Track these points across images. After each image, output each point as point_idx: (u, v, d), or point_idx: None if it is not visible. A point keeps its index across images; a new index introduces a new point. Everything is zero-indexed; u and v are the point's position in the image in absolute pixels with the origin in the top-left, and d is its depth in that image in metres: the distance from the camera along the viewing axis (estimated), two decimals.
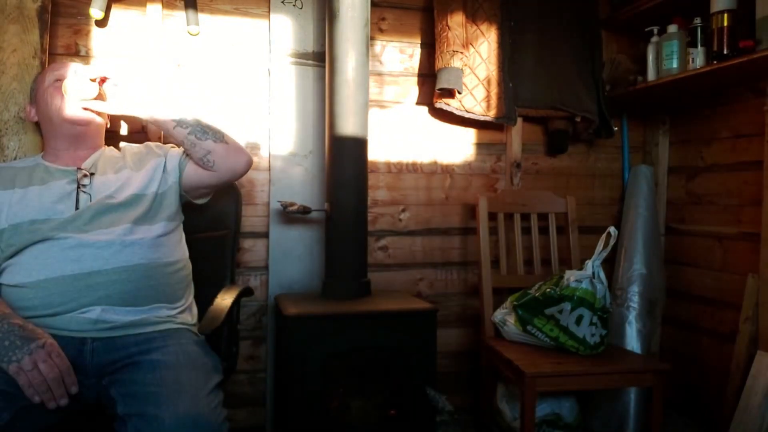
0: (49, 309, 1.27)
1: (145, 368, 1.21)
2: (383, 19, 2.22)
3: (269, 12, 2.09)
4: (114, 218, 1.39)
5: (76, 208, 1.38)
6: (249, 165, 1.54)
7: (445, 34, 2.12)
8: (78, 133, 1.49)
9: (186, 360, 1.25)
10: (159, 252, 1.40)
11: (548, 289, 1.85)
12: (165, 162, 1.53)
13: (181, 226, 1.54)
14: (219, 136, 1.50)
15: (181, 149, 1.55)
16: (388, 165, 2.24)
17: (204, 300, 1.55)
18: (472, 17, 2.17)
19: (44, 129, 1.54)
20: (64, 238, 1.33)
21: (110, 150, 1.58)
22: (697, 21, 1.97)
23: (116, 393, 1.19)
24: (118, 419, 1.15)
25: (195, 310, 1.52)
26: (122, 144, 1.64)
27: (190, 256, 1.54)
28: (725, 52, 1.82)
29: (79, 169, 1.45)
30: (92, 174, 1.45)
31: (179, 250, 1.50)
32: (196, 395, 1.13)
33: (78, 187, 1.42)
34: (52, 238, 1.33)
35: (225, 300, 1.55)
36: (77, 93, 1.45)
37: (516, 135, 2.31)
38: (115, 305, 1.30)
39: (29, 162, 1.50)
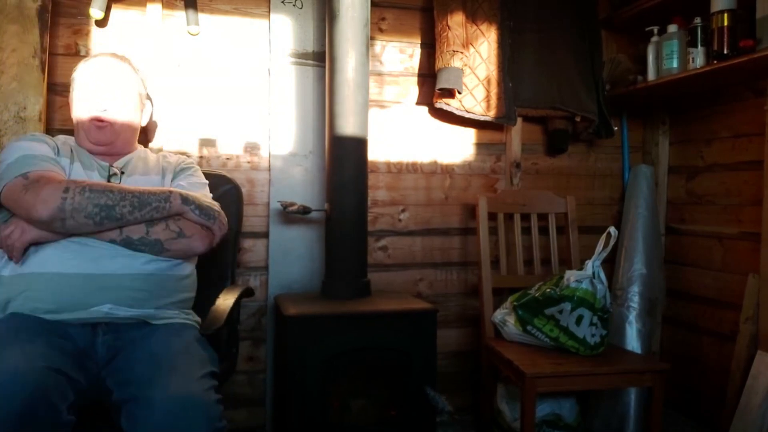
0: (57, 304, 1.28)
1: (141, 355, 1.22)
2: (383, 19, 2.22)
3: (269, 12, 2.09)
4: None
5: None
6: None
7: (445, 34, 2.12)
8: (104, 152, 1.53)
9: (183, 348, 1.26)
10: (175, 264, 1.42)
11: (548, 290, 1.85)
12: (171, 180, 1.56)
13: None
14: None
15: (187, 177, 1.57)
16: (388, 165, 2.24)
17: (205, 300, 1.55)
18: (472, 17, 2.17)
19: (75, 128, 1.54)
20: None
21: (144, 152, 1.62)
22: (697, 21, 1.97)
23: (112, 383, 1.20)
24: (113, 409, 1.15)
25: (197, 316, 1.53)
26: (156, 148, 1.70)
27: None
28: (725, 51, 1.81)
29: (112, 166, 1.49)
30: (122, 173, 1.49)
31: (191, 262, 1.50)
32: (189, 378, 1.14)
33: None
34: None
35: (227, 300, 1.55)
36: None
37: (516, 135, 2.31)
38: (123, 306, 1.32)
39: (69, 141, 1.52)
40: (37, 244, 1.32)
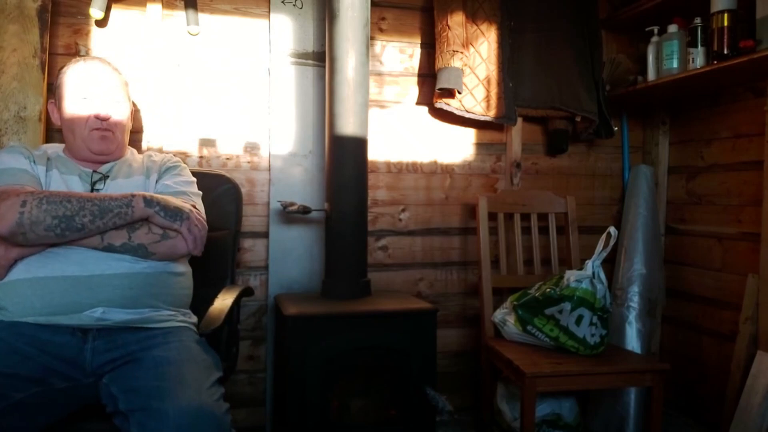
0: (48, 308, 1.27)
1: (146, 364, 1.21)
2: (383, 19, 2.22)
3: (269, 12, 2.09)
4: None
5: None
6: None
7: (445, 33, 2.12)
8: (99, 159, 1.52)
9: (187, 355, 1.26)
10: (166, 261, 1.40)
11: (548, 289, 1.85)
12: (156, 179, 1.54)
13: None
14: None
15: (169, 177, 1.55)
16: (388, 165, 2.24)
17: (204, 300, 1.54)
18: (472, 17, 2.17)
19: (66, 135, 1.51)
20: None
21: (131, 153, 1.60)
22: (697, 21, 1.97)
23: (117, 390, 1.19)
24: (118, 415, 1.15)
25: (194, 316, 1.52)
26: (156, 148, 1.69)
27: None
28: (725, 52, 1.81)
29: (95, 171, 1.48)
30: (106, 177, 1.47)
31: (183, 260, 1.49)
32: (199, 388, 1.15)
33: (92, 189, 1.44)
34: None
35: (225, 300, 1.55)
36: None
37: (516, 135, 2.31)
38: (116, 308, 1.30)
39: (51, 151, 1.51)
40: (22, 257, 1.32)
